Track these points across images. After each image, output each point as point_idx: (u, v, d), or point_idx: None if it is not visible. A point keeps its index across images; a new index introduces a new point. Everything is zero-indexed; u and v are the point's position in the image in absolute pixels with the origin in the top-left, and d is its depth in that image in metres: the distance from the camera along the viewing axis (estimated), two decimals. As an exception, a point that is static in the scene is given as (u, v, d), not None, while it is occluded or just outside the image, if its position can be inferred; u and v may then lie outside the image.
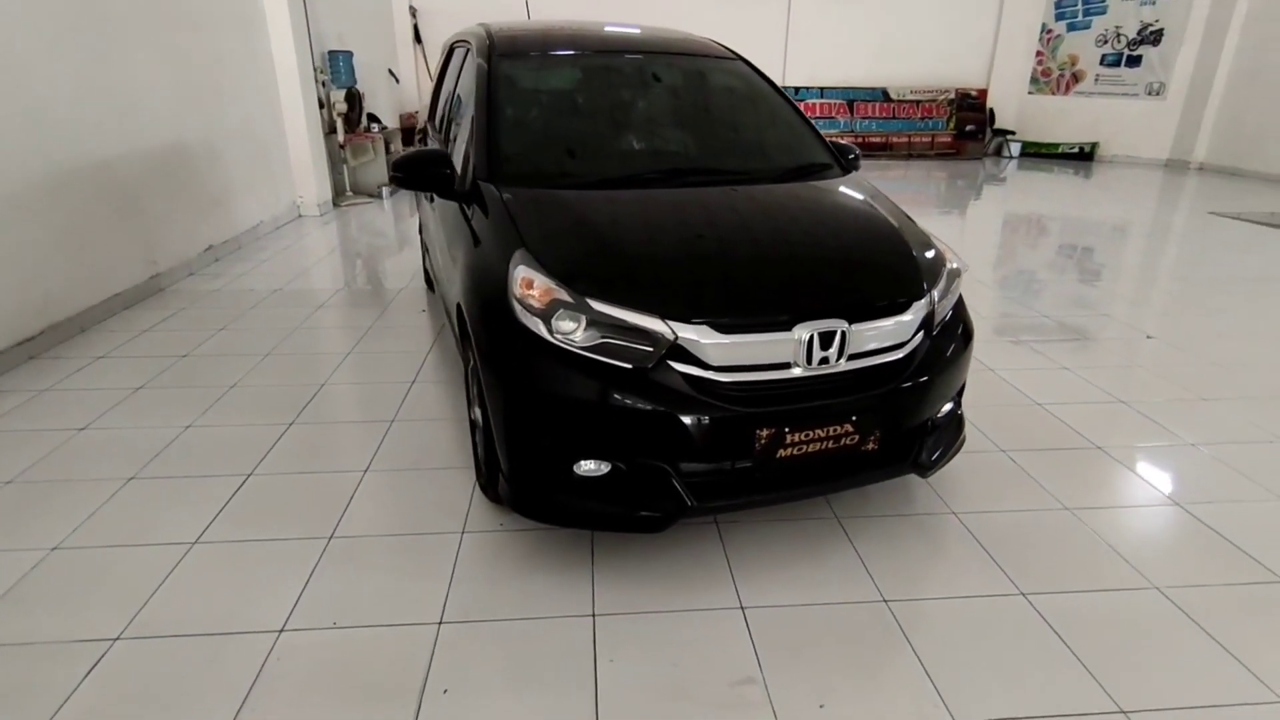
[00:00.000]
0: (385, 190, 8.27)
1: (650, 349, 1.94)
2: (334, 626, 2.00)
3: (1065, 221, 7.71)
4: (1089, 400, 3.40)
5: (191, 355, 3.82)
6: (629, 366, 1.95)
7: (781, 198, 2.54)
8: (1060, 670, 1.88)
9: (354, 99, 7.76)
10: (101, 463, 2.79)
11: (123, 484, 2.65)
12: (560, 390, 1.98)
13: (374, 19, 9.86)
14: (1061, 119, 12.22)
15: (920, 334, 2.18)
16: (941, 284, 2.25)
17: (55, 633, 1.95)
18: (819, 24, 11.90)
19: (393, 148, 8.78)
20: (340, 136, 7.73)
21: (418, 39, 11.29)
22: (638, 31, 3.42)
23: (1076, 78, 12.10)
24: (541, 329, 2.01)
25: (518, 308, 2.06)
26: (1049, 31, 12.22)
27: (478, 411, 2.44)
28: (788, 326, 1.97)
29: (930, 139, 12.51)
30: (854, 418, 2.06)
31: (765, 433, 1.98)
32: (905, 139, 12.48)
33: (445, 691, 1.79)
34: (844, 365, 2.03)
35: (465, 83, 3.31)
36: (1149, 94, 11.43)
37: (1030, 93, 12.58)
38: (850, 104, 12.36)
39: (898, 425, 2.17)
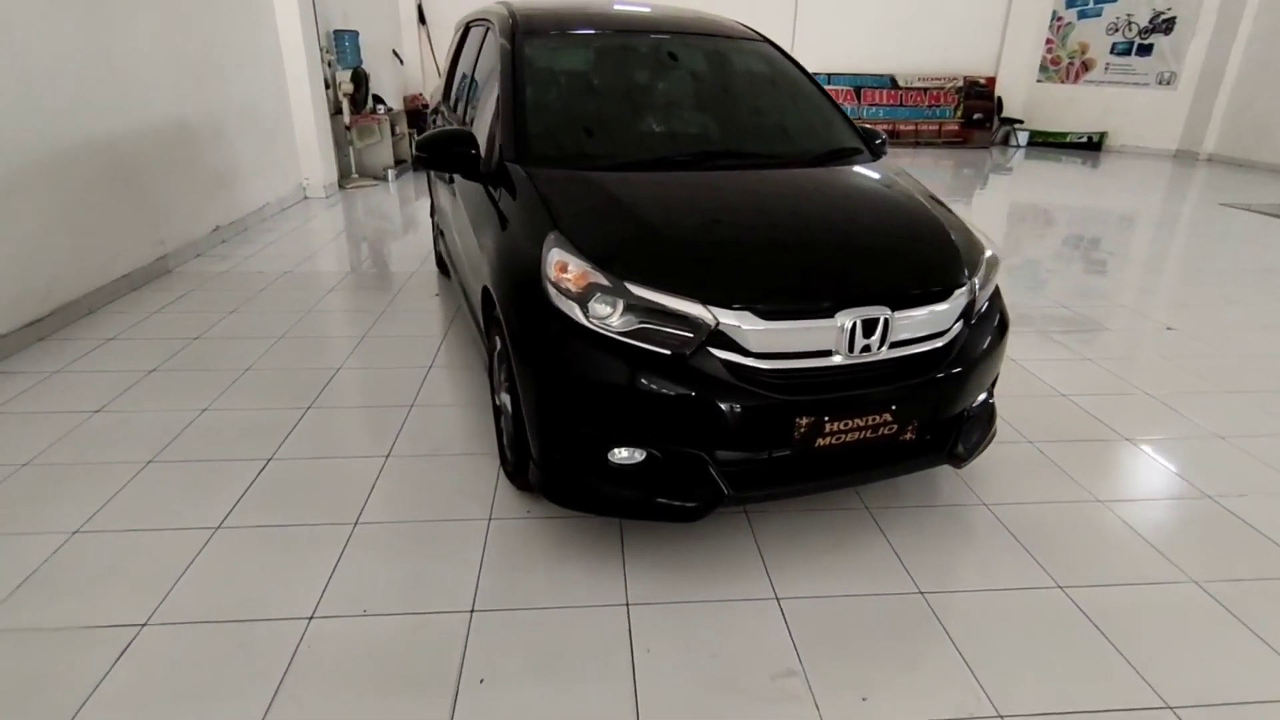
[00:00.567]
0: (391, 172, 8.18)
1: (690, 335, 1.90)
2: (364, 614, 1.96)
3: (1076, 212, 7.67)
4: (1113, 391, 3.37)
5: (203, 338, 3.76)
6: (667, 353, 1.91)
7: (818, 182, 2.49)
8: (1103, 664, 1.86)
9: (360, 79, 7.65)
10: (118, 446, 2.75)
11: (141, 467, 2.61)
12: (596, 376, 1.94)
13: (378, -1, 9.72)
14: (1070, 108, 12.13)
15: (960, 323, 2.14)
16: (981, 272, 2.21)
17: (81, 618, 1.92)
18: (827, 9, 11.77)
19: (398, 130, 8.68)
20: (346, 118, 7.63)
21: (422, 20, 11.14)
22: (660, 11, 3.35)
23: (1086, 66, 11.99)
24: (577, 313, 1.96)
25: (552, 291, 2.01)
26: (1059, 19, 12.11)
27: (505, 397, 2.40)
28: (830, 313, 1.93)
29: (937, 127, 12.41)
30: (893, 407, 2.03)
31: (804, 421, 1.94)
32: (912, 127, 12.38)
33: (482, 681, 1.76)
34: (885, 353, 2.00)
35: (486, 62, 3.24)
36: (1159, 83, 11.34)
37: (1039, 81, 12.47)
38: (857, 90, 12.25)
39: (936, 415, 2.14)
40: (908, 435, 2.10)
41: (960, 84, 12.25)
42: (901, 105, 12.37)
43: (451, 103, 4.08)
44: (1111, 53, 11.69)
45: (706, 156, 2.61)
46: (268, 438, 2.82)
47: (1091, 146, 11.89)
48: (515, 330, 2.12)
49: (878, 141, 3.00)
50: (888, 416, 2.03)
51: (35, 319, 3.65)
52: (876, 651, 1.88)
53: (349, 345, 3.72)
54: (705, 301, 1.89)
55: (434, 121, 4.40)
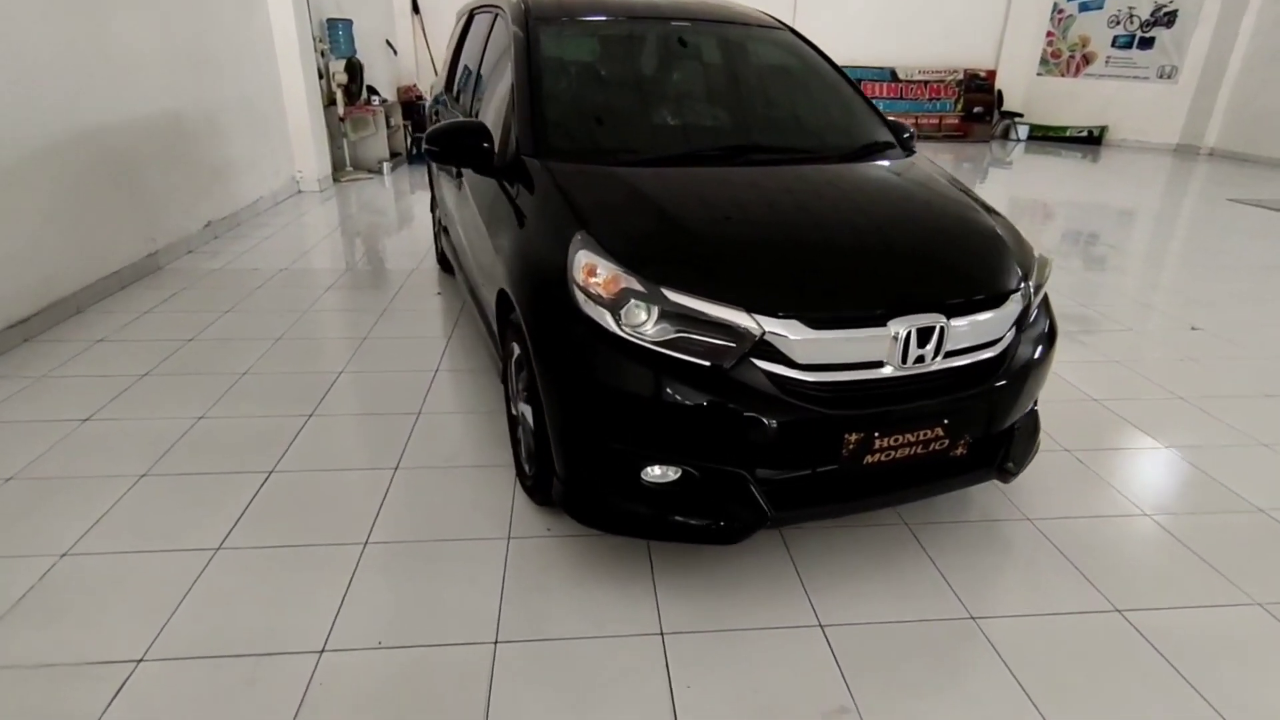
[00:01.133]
0: (386, 165, 7.99)
1: (733, 345, 1.76)
2: (380, 646, 1.82)
3: (1080, 207, 7.56)
4: (1146, 396, 3.26)
5: (198, 339, 3.59)
6: (706, 364, 1.77)
7: (858, 179, 2.35)
8: (1171, 695, 1.74)
9: (355, 70, 7.45)
10: (109, 457, 2.58)
11: (134, 481, 2.45)
12: (628, 389, 1.80)
13: (371, -14, 9.47)
14: (1070, 101, 12.04)
15: (1012, 330, 2.01)
16: (1034, 275, 2.09)
17: (72, 653, 1.77)
18: (828, 1, 11.62)
19: (393, 121, 8.48)
20: (340, 109, 7.42)
21: (415, 9, 10.91)
22: (692, 2, 3.19)
23: (1087, 59, 11.91)
24: (608, 321, 1.82)
25: (580, 297, 1.87)
26: (1060, 11, 12.01)
27: (524, 407, 2.26)
28: (882, 321, 1.80)
29: (938, 120, 12.30)
30: (945, 421, 1.90)
31: (853, 438, 1.81)
32: (912, 120, 12.22)
33: (511, 722, 1.63)
34: (939, 364, 1.86)
35: (495, 51, 3.09)
36: (1160, 77, 11.27)
37: (1039, 74, 12.38)
38: (857, 83, 12.10)
39: (989, 429, 2.01)
40: (959, 450, 1.97)
41: (960, 77, 12.14)
42: (901, 98, 12.25)
43: (455, 93, 3.92)
44: (1113, 46, 11.61)
45: (736, 151, 2.46)
46: (268, 448, 2.67)
47: (1092, 140, 11.81)
48: (539, 338, 1.98)
49: (906, 136, 2.86)
50: (939, 431, 1.91)
51: (21, 318, 3.47)
52: (932, 684, 1.76)
53: (350, 347, 3.56)
54: (750, 309, 1.74)
55: (435, 113, 4.23)
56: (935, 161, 2.71)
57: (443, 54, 11.24)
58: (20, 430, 2.74)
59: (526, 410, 2.21)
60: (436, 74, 10.98)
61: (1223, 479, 2.63)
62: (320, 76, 7.17)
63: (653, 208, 2.05)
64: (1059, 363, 3.49)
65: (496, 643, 1.84)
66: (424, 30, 11.02)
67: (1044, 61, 12.27)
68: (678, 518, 1.87)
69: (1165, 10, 11.02)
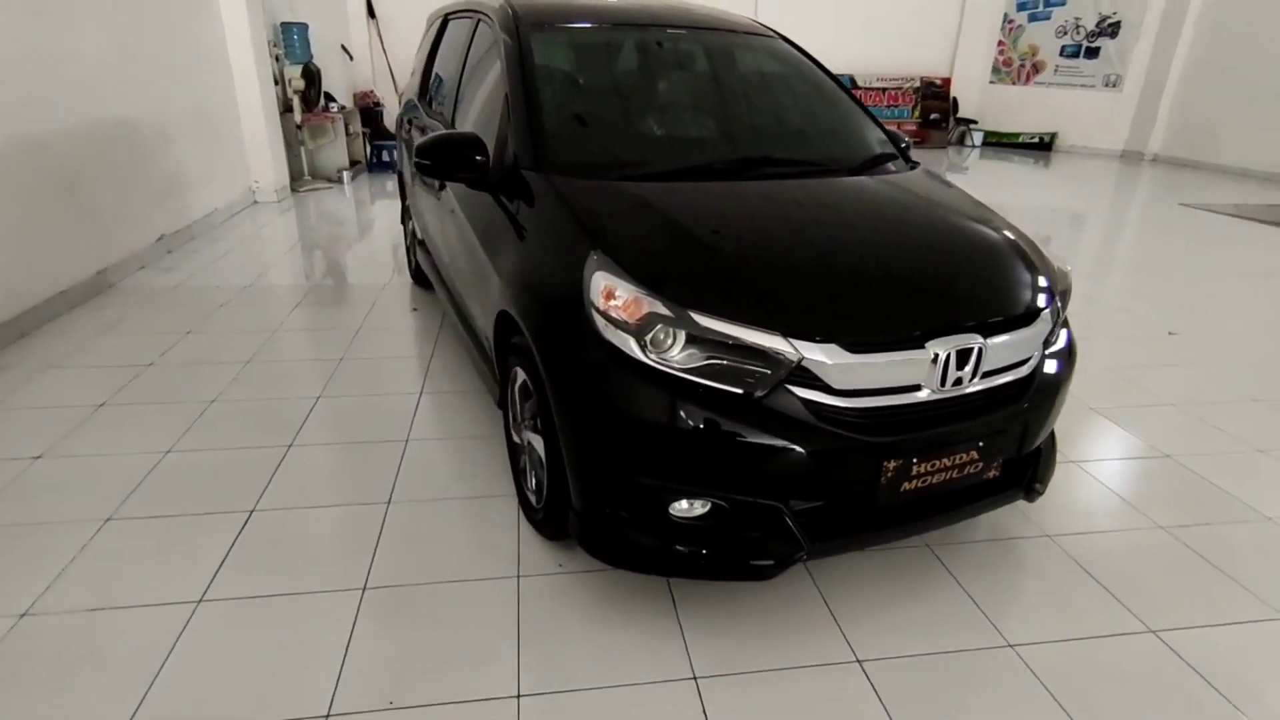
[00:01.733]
0: (346, 174, 7.71)
1: (767, 371, 1.66)
2: (391, 707, 1.67)
3: (1037, 211, 7.68)
4: (1137, 403, 3.28)
5: (159, 364, 3.35)
6: (738, 391, 1.67)
7: (875, 194, 2.28)
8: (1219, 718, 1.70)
9: (312, 75, 7.17)
10: (68, 500, 2.36)
11: (98, 527, 2.24)
12: (656, 420, 1.69)
13: (325, -10, 9.16)
14: (1022, 109, 12.36)
15: (1039, 347, 1.96)
16: (1060, 290, 2.04)
17: (41, 733, 1.58)
18: (786, 8, 11.70)
19: (352, 129, 8.21)
20: (297, 116, 7.13)
21: (371, 13, 10.62)
22: (665, 6, 3.10)
23: (1037, 68, 12.24)
24: (632, 347, 1.71)
25: (600, 321, 1.75)
26: (1010, 21, 12.33)
27: (532, 436, 2.13)
28: (920, 343, 1.72)
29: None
30: (980, 444, 1.84)
31: (892, 465, 1.73)
32: (872, 127, 12.40)
33: (545, 789, 1.49)
34: (976, 385, 1.80)
35: (480, 59, 2.94)
36: (1106, 85, 11.64)
37: (992, 82, 12.69)
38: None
39: (1020, 449, 1.96)
40: (992, 473, 1.91)
41: (917, 84, 12.36)
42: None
43: (429, 102, 3.76)
44: (1061, 55, 11.95)
45: (746, 164, 2.37)
46: (246, 485, 2.47)
47: (1043, 147, 12.14)
48: (555, 367, 1.85)
49: (904, 145, 2.82)
50: (974, 454, 1.84)
51: (-44, 347, 3.19)
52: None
53: (326, 370, 3.36)
54: (786, 334, 1.65)
55: (408, 121, 4.05)
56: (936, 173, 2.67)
57: (401, 59, 10.97)
58: (-36, 472, 2.49)
59: (536, 440, 2.08)
60: (394, 80, 10.79)
61: (1227, 487, 2.64)
62: (275, 83, 6.88)
63: (670, 225, 1.95)
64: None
65: (519, 696, 1.70)
66: (380, 35, 10.74)
67: (996, 70, 12.58)
68: (710, 555, 1.76)
69: (1109, 22, 11.39)
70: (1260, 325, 4.34)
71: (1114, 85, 11.54)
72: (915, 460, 1.76)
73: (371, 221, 6.40)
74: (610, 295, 1.76)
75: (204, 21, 5.79)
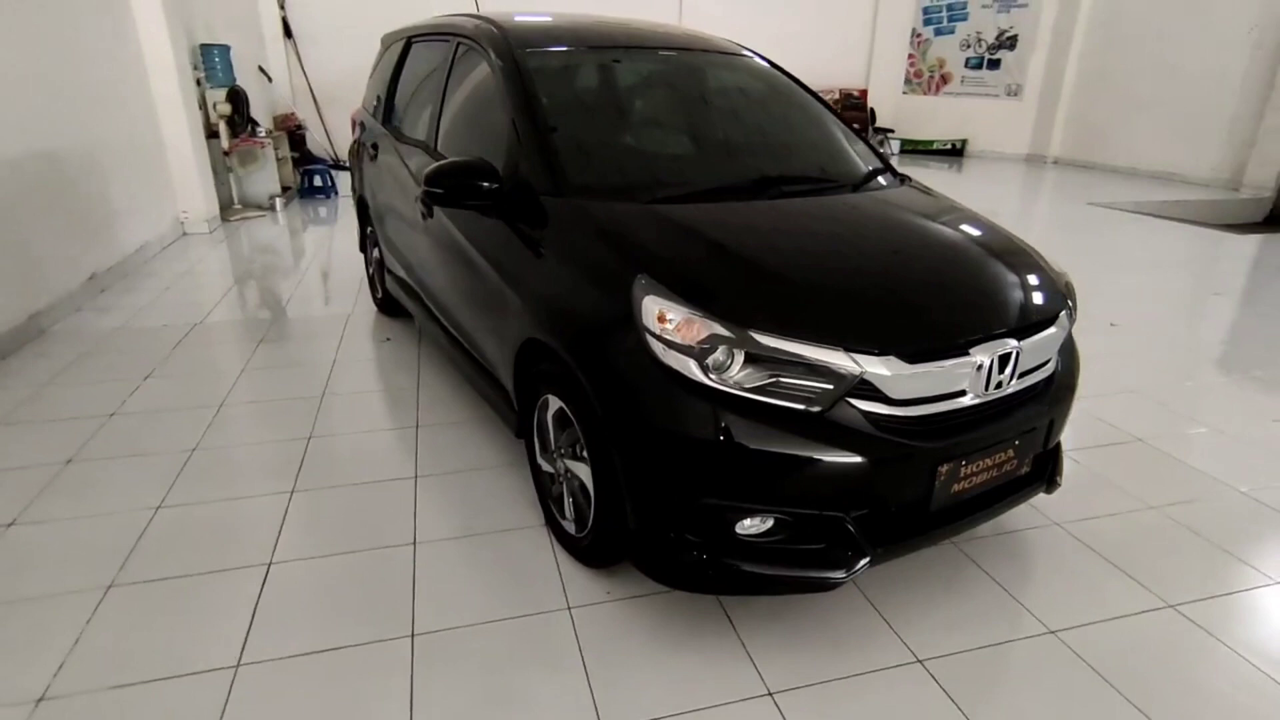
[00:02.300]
0: (279, 201, 7.39)
1: (829, 387, 1.70)
2: (473, 756, 1.61)
3: (971, 215, 8.14)
4: (1100, 392, 3.49)
5: (122, 413, 3.12)
6: (800, 408, 1.70)
7: (894, 208, 2.37)
8: (1249, 683, 1.84)
9: (239, 99, 6.86)
10: (58, 569, 2.17)
11: (101, 595, 2.07)
12: (722, 440, 1.70)
13: (238, 9, 8.78)
14: (933, 117, 13.06)
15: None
16: (1070, 295, 2.18)
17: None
18: (708, 24, 11.97)
19: (280, 154, 7.88)
20: (224, 143, 6.80)
21: (288, 33, 10.25)
22: (649, 29, 3.14)
23: (945, 79, 12.97)
24: (693, 369, 1.71)
25: (657, 345, 1.75)
26: (918, 36, 13.03)
27: (570, 465, 2.11)
28: (965, 350, 1.80)
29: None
30: (1016, 442, 1.94)
31: (945, 468, 1.80)
32: (796, 138, 12.82)
33: (654, 823, 1.47)
34: (1012, 387, 1.90)
35: (467, 83, 2.90)
36: (1008, 94, 12.43)
37: (905, 93, 13.37)
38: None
39: (1046, 444, 2.07)
40: (1025, 468, 2.02)
41: (837, 96, 12.85)
42: (783, 117, 12.78)
43: (398, 126, 3.66)
44: (966, 67, 12.71)
45: (763, 184, 2.41)
46: (254, 536, 2.34)
47: (955, 152, 12.85)
48: (610, 393, 1.84)
49: (889, 161, 2.94)
50: (1011, 453, 1.94)
51: (-114, 409, 2.88)
52: (1044, 706, 1.77)
53: (309, 408, 3.21)
54: (848, 349, 1.70)
55: (372, 146, 3.93)
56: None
57: (322, 80, 10.61)
58: (-73, 547, 2.25)
59: (580, 469, 2.05)
60: (316, 101, 10.43)
61: (1198, 465, 2.86)
62: (200, 107, 6.54)
63: (711, 245, 1.97)
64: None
65: (602, 731, 1.67)
66: (299, 55, 10.38)
67: (908, 81, 13.26)
68: (779, 570, 1.78)
69: (1007, 35, 12.19)
70: (1183, 313, 4.73)
71: (1015, 94, 12.34)
72: (964, 462, 1.83)
73: (316, 249, 6.16)
74: (662, 319, 1.77)
75: (122, 44, 5.46)
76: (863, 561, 1.78)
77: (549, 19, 3.01)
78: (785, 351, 1.70)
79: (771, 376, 1.71)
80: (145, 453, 2.82)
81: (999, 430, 1.89)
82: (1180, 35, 10.01)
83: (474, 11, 3.35)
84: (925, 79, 13.10)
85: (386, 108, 3.86)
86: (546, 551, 2.28)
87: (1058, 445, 2.20)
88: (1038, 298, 2.02)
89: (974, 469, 1.87)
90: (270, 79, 9.58)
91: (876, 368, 1.70)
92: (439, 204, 2.31)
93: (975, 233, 2.26)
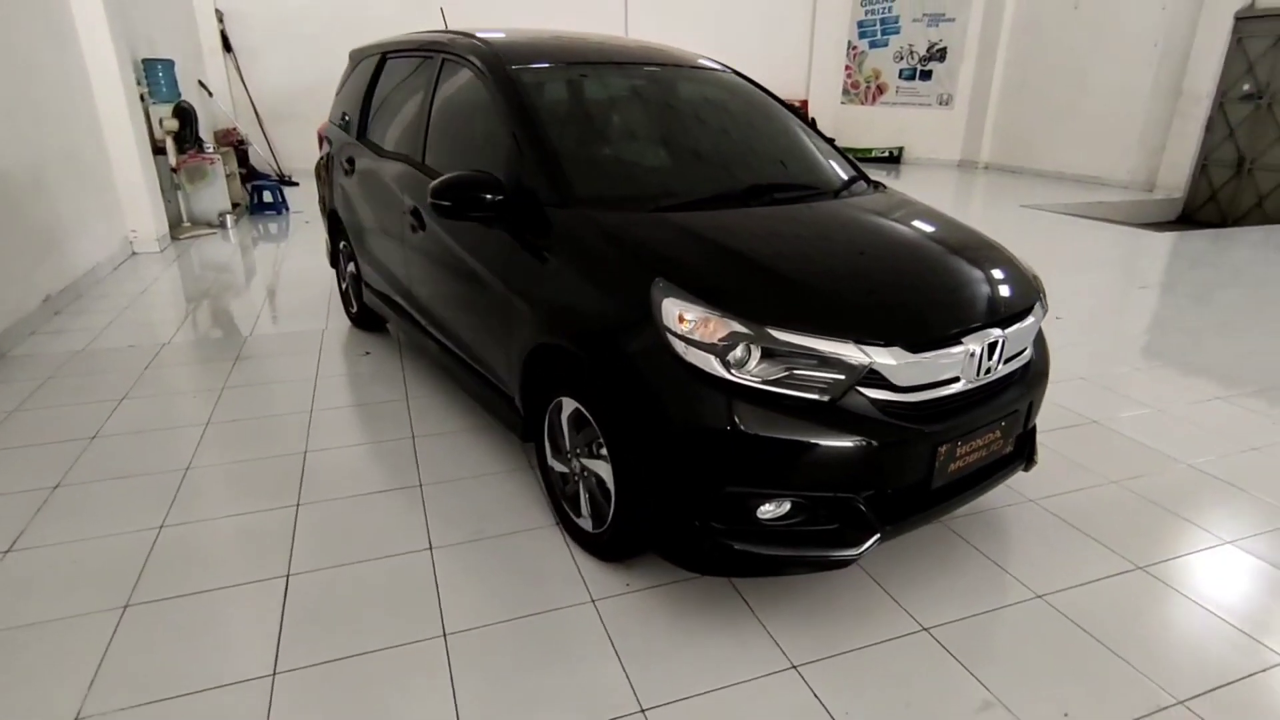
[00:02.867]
0: (230, 218, 7.22)
1: (841, 377, 1.84)
2: (523, 743, 1.68)
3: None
4: (1054, 380, 3.74)
5: (103, 435, 3.05)
6: (814, 397, 1.84)
7: (881, 212, 2.53)
8: (1214, 631, 2.05)
9: (186, 115, 6.69)
10: (66, 592, 2.13)
11: (119, 615, 2.05)
12: (745, 431, 1.81)
13: (176, 22, 8.54)
14: (871, 126, 13.58)
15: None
16: (1039, 287, 2.38)
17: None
18: (654, 35, 12.21)
19: (228, 169, 7.69)
20: (172, 159, 6.62)
21: (227, 47, 10.03)
22: (630, 44, 3.26)
23: (880, 90, 13.50)
24: (715, 366, 1.83)
25: (679, 345, 1.86)
26: (854, 48, 13.55)
27: (588, 464, 2.19)
28: (958, 340, 1.97)
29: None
30: (1001, 424, 2.11)
31: (943, 449, 1.96)
32: (741, 147, 13.14)
33: (706, 790, 1.57)
34: (998, 373, 2.07)
35: (455, 99, 2.96)
36: (940, 104, 13.03)
37: (843, 103, 13.87)
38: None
39: (1025, 425, 2.26)
40: (1009, 448, 2.20)
41: (779, 107, 13.22)
42: (728, 127, 13.10)
43: (377, 141, 3.67)
44: (900, 78, 13.26)
45: (756, 191, 2.56)
46: (267, 549, 2.34)
47: (892, 159, 13.38)
48: (633, 393, 1.94)
49: (860, 169, 3.13)
50: (998, 434, 2.11)
51: None
52: (1048, 665, 1.93)
53: (300, 424, 3.19)
54: (857, 341, 1.84)
55: (347, 160, 3.92)
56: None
57: (265, 94, 10.40)
58: (-80, 579, 2.18)
59: (599, 467, 2.14)
60: (258, 116, 10.20)
61: (1148, 442, 3.12)
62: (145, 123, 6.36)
63: (720, 249, 2.09)
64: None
65: (644, 711, 1.76)
66: (239, 69, 10.16)
67: (846, 92, 13.76)
68: (798, 550, 1.91)
69: (937, 47, 12.79)
70: (1116, 306, 5.10)
71: (947, 103, 12.94)
72: (960, 443, 2.00)
73: (275, 266, 6.05)
74: (682, 319, 1.88)
75: (66, 57, 5.29)
76: (873, 539, 1.92)
77: (529, 36, 3.09)
78: (800, 345, 1.83)
79: (787, 370, 1.84)
80: (136, 473, 2.77)
81: (987, 413, 2.06)
82: (1093, 49, 10.70)
83: (444, 28, 3.40)
84: (862, 89, 13.61)
85: (361, 122, 3.87)
86: (562, 549, 2.35)
87: (1034, 427, 2.39)
88: (1016, 291, 2.21)
89: (968, 449, 2.03)
90: (210, 93, 9.33)
91: (883, 358, 1.85)
92: (446, 216, 2.37)
93: (955, 233, 2.45)
